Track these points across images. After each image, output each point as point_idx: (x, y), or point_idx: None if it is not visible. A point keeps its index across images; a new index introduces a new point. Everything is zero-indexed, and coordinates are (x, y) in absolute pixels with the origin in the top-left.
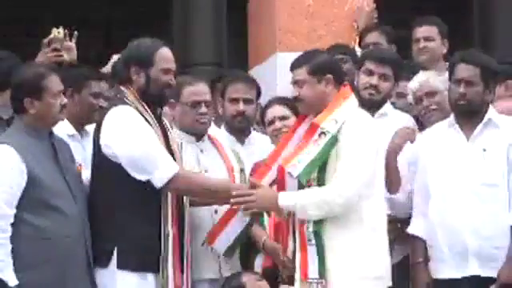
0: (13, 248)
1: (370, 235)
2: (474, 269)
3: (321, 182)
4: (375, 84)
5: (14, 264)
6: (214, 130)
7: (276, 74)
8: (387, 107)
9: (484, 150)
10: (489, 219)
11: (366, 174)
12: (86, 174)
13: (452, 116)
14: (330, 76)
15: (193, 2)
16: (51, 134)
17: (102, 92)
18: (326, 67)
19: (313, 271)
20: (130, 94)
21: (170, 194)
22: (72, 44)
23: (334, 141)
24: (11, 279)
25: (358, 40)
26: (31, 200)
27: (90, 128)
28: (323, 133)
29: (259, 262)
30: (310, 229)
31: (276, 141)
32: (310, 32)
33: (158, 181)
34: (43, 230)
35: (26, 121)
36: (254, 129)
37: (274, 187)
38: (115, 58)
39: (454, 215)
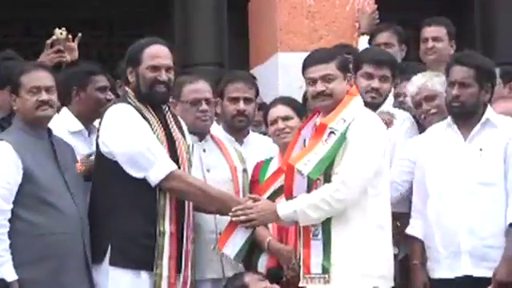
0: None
1: (375, 233)
2: (466, 268)
3: (327, 180)
4: (377, 87)
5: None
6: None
7: (277, 74)
8: (387, 106)
9: (481, 150)
10: (484, 218)
11: (368, 171)
12: None
13: (450, 116)
14: (350, 74)
15: (194, 2)
16: (50, 132)
17: (107, 85)
18: (348, 65)
19: (316, 266)
20: (131, 94)
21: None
22: (74, 45)
23: (343, 139)
24: (10, 274)
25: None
26: (27, 196)
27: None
28: (332, 132)
29: (263, 262)
30: (318, 224)
31: (278, 141)
32: (311, 32)
33: (154, 178)
34: (38, 226)
35: (20, 118)
36: (253, 130)
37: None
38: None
39: (450, 215)
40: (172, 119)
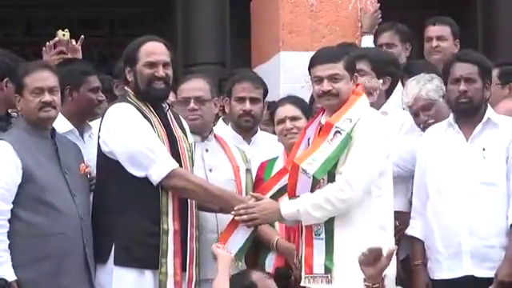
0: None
1: (377, 234)
2: (467, 269)
3: (331, 179)
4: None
5: None
6: (220, 128)
7: (279, 74)
8: (388, 106)
9: (483, 150)
10: (486, 218)
11: (372, 171)
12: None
13: (451, 116)
14: (357, 74)
15: (196, 1)
16: (54, 132)
17: (99, 86)
18: (354, 65)
19: (318, 266)
20: (131, 94)
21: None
22: (77, 46)
23: (348, 139)
24: (9, 274)
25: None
26: (26, 196)
27: (93, 124)
28: (338, 132)
29: (270, 262)
30: (320, 224)
31: (284, 140)
32: (314, 31)
33: (155, 176)
34: (37, 226)
35: (24, 118)
36: (263, 129)
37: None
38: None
39: (451, 215)
40: (173, 118)
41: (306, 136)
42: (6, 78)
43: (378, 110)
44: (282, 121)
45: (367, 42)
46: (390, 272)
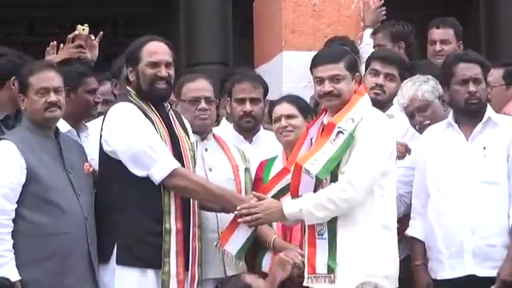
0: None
1: (380, 234)
2: (469, 268)
3: (334, 179)
4: (381, 83)
5: None
6: (223, 127)
7: (282, 73)
8: (394, 109)
9: (484, 148)
10: (487, 217)
11: (374, 171)
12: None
13: (450, 116)
14: (358, 74)
15: (198, 1)
16: (58, 132)
17: (97, 87)
18: (356, 64)
19: (321, 266)
20: (133, 93)
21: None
22: (96, 43)
23: (351, 139)
24: (13, 274)
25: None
26: (30, 196)
27: (90, 124)
28: (341, 132)
29: (267, 261)
30: (323, 223)
31: (280, 138)
32: (316, 31)
33: (157, 176)
34: (41, 226)
35: (27, 117)
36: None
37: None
38: None
39: (452, 215)
40: (175, 117)
41: (309, 136)
42: (12, 76)
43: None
44: (278, 119)
45: (367, 35)
46: (392, 272)
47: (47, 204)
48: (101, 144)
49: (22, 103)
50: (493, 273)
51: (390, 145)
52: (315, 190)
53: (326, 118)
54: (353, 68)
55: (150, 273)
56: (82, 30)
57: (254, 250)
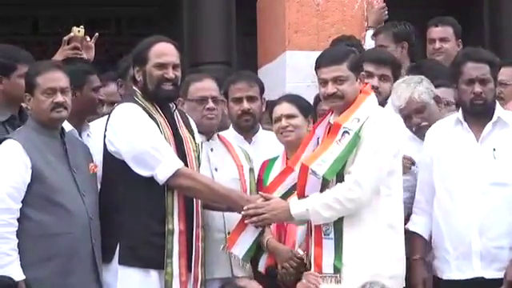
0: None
1: (386, 233)
2: (477, 270)
3: (340, 179)
4: (376, 86)
5: None
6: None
7: (285, 73)
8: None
9: (494, 150)
10: (496, 219)
11: (381, 171)
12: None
13: (460, 113)
14: (363, 73)
15: (202, 0)
16: (63, 132)
17: (100, 85)
18: (360, 64)
19: (327, 266)
20: (139, 94)
21: (176, 191)
22: (92, 44)
23: (357, 139)
24: (17, 274)
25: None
26: (35, 196)
27: (93, 124)
28: (346, 132)
29: (263, 261)
30: (330, 224)
31: (281, 138)
32: (320, 31)
33: (161, 176)
34: (46, 226)
35: (33, 117)
36: (265, 128)
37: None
38: None
39: (460, 216)
40: (180, 118)
41: (316, 136)
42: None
43: None
44: (279, 119)
45: (369, 36)
46: (399, 272)
47: (52, 204)
48: (105, 144)
49: (28, 103)
50: (500, 274)
51: (396, 144)
52: (322, 191)
53: (332, 118)
54: (357, 68)
55: (153, 273)
56: (78, 31)
57: (257, 250)
